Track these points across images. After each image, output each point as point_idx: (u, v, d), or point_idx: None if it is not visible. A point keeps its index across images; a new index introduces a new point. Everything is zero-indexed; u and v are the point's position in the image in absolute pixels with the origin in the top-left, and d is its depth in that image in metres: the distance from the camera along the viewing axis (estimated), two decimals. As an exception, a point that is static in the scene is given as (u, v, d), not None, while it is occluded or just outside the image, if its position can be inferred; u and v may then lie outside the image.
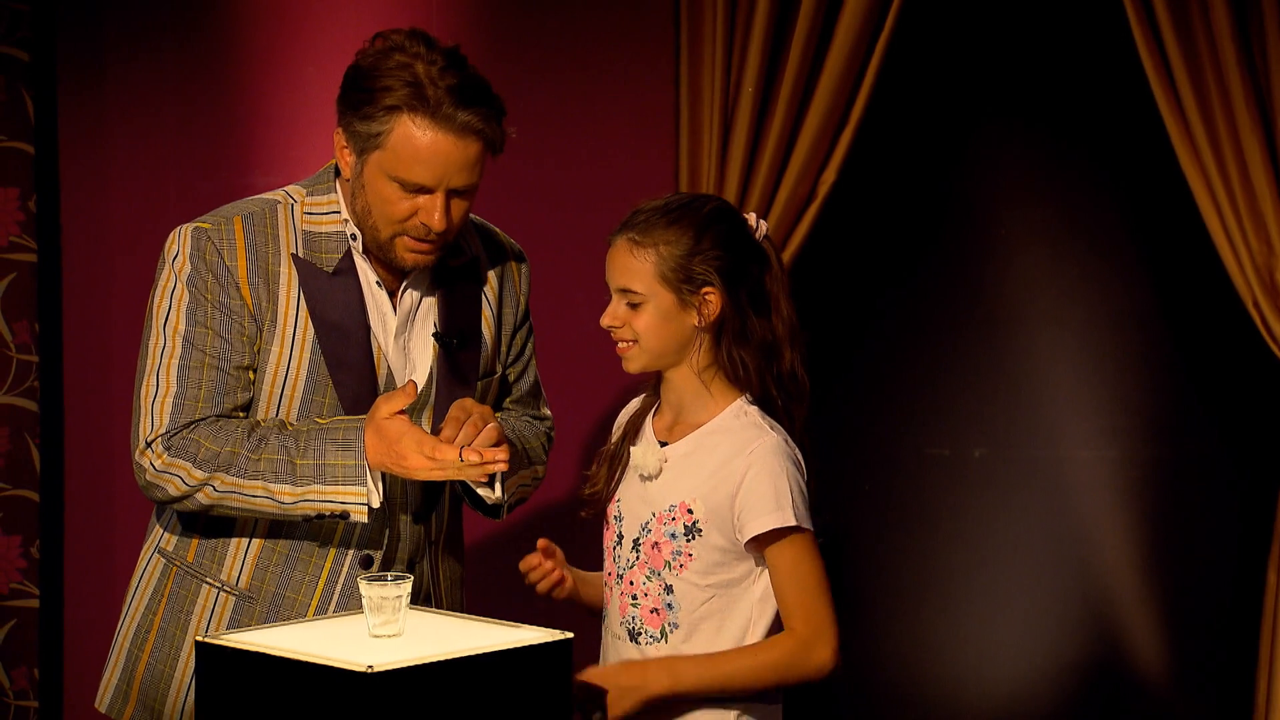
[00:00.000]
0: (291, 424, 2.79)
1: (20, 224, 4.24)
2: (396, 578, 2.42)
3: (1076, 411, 3.77)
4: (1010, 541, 3.82)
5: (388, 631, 2.42)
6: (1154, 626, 3.76)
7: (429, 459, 2.65)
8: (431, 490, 2.89)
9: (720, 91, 3.74)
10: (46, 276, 4.31)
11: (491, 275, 2.95)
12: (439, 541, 2.95)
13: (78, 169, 4.34)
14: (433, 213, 2.71)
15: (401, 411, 2.69)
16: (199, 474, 2.72)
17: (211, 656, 2.38)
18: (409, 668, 2.26)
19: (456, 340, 2.87)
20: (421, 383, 2.85)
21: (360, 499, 2.71)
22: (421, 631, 2.46)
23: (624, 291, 2.73)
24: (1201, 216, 3.44)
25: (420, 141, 2.67)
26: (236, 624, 2.83)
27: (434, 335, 2.86)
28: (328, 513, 2.73)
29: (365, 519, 2.73)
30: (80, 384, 4.38)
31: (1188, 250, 3.58)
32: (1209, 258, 3.46)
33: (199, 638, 2.40)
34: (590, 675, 2.67)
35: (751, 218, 2.80)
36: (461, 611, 3.00)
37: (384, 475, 2.74)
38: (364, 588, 2.42)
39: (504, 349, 2.98)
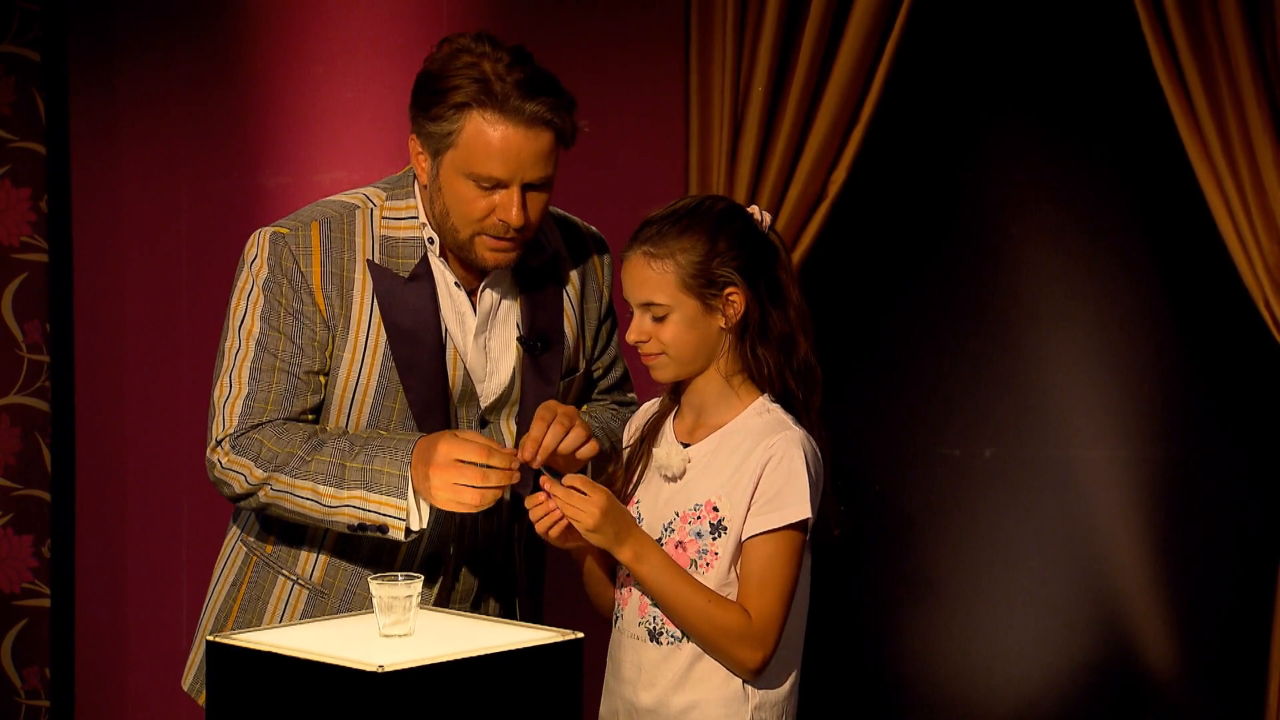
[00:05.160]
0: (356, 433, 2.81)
1: (32, 224, 4.25)
2: (408, 577, 2.43)
3: (1087, 411, 3.77)
4: (1020, 541, 3.82)
5: (398, 631, 2.42)
6: (1164, 626, 3.75)
7: (463, 453, 2.63)
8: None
9: (730, 91, 3.74)
10: (57, 277, 4.32)
11: (573, 271, 2.96)
12: (520, 539, 2.96)
13: (89, 169, 4.35)
14: (510, 208, 2.71)
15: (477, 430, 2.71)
16: (260, 473, 2.75)
17: (222, 655, 2.38)
18: (420, 667, 2.26)
19: (540, 344, 2.87)
20: (504, 384, 2.87)
21: (399, 512, 2.70)
22: (432, 631, 2.47)
23: (647, 305, 2.73)
24: (1212, 216, 3.44)
25: (491, 136, 2.68)
26: (309, 616, 2.86)
27: (519, 340, 2.86)
28: (369, 524, 2.72)
29: (403, 537, 2.72)
30: (91, 384, 4.39)
31: (1198, 250, 3.57)
32: (1220, 257, 3.46)
33: (209, 636, 2.41)
34: (591, 490, 2.66)
35: (755, 210, 2.80)
36: (537, 610, 3.02)
37: None
38: (374, 587, 2.43)
39: (588, 344, 2.98)
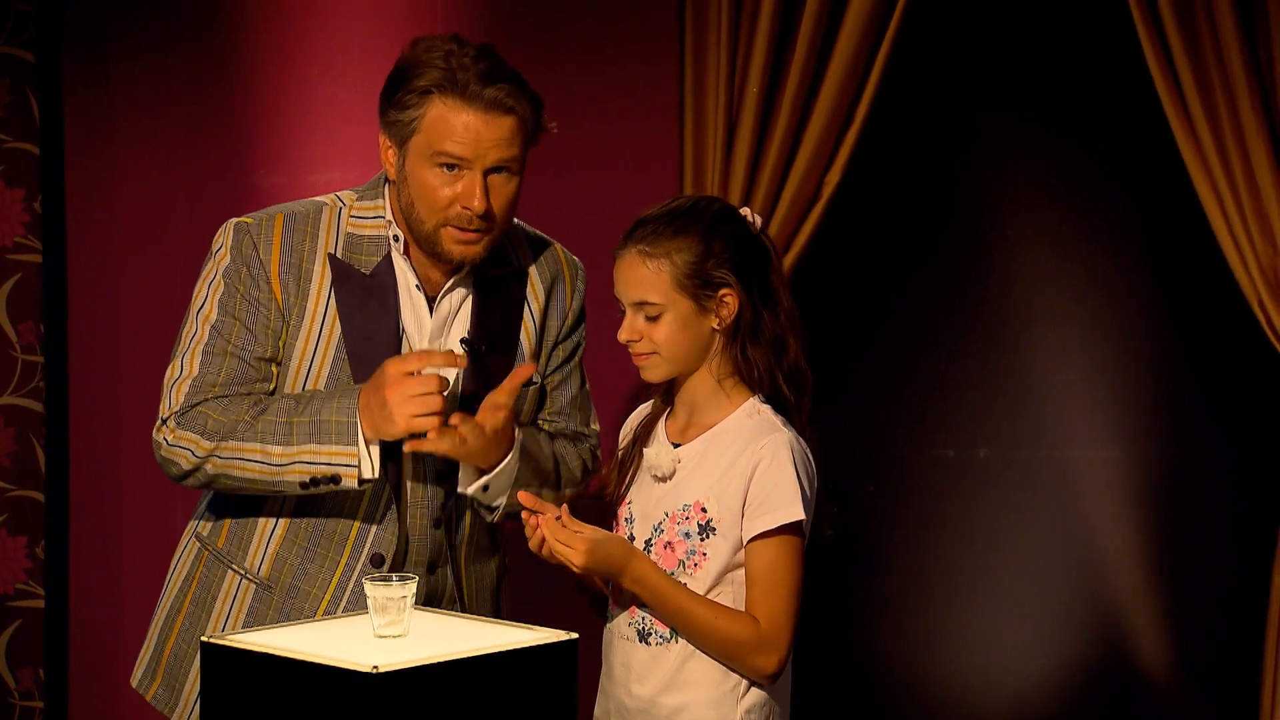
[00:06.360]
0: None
1: (26, 225, 4.25)
2: (401, 578, 2.43)
3: (1081, 412, 3.77)
4: (1015, 542, 3.82)
5: (393, 632, 2.42)
6: (1159, 626, 3.76)
7: (408, 365, 2.67)
8: (451, 493, 2.89)
9: (725, 92, 3.74)
10: (52, 277, 4.32)
11: (538, 285, 2.97)
12: (461, 547, 2.95)
13: (83, 170, 4.35)
14: (472, 194, 2.74)
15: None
16: (206, 444, 2.78)
17: (217, 656, 2.38)
18: (414, 668, 2.26)
19: (485, 346, 2.88)
20: (455, 391, 2.88)
21: (350, 459, 2.73)
22: (427, 632, 2.46)
23: (640, 304, 2.73)
24: (1207, 217, 3.44)
25: (452, 119, 2.74)
26: (254, 612, 2.89)
27: (461, 341, 2.88)
28: (320, 477, 2.74)
29: (355, 484, 2.74)
30: (85, 385, 4.39)
31: (1193, 250, 3.58)
32: (1214, 258, 3.46)
33: (204, 637, 2.41)
34: (573, 539, 2.66)
35: (747, 212, 2.80)
36: (497, 613, 3.02)
37: (386, 455, 2.75)
38: (369, 588, 2.42)
39: (543, 360, 2.99)
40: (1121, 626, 3.77)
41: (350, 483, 2.75)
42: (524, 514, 2.73)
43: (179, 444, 2.80)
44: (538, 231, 3.03)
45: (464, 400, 2.86)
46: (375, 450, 2.75)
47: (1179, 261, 3.69)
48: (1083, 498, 3.78)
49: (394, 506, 2.85)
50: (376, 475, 2.76)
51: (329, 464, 2.74)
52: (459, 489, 2.87)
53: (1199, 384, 3.74)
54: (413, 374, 2.69)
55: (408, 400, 2.69)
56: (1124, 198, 3.75)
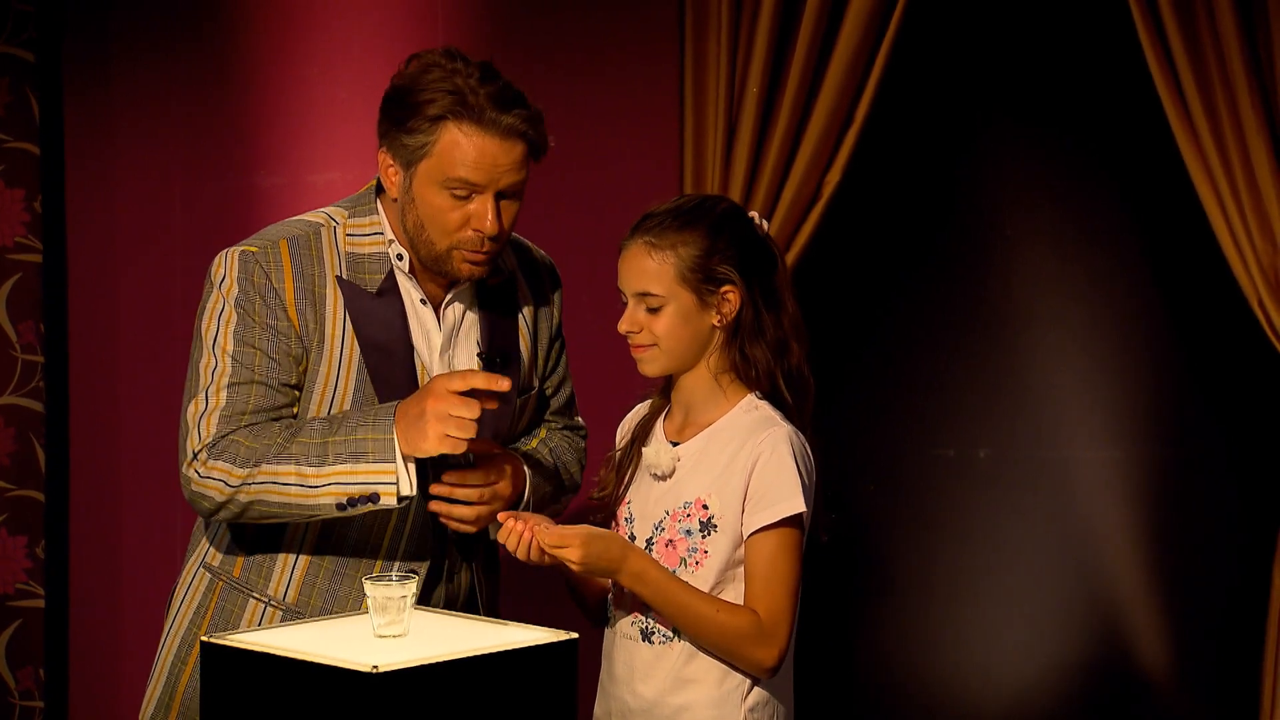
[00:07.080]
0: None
1: (26, 224, 4.25)
2: (401, 578, 2.43)
3: (1081, 412, 3.77)
4: (1015, 542, 3.82)
5: (393, 632, 2.42)
6: (1159, 626, 3.76)
7: (452, 394, 2.64)
8: None
9: (725, 92, 3.74)
10: (52, 277, 4.32)
11: (527, 291, 2.98)
12: (480, 551, 2.95)
13: (83, 170, 4.35)
14: (484, 217, 2.74)
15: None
16: (239, 472, 2.72)
17: (216, 656, 2.38)
18: (414, 668, 2.26)
19: (499, 359, 2.89)
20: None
21: (389, 477, 2.68)
22: (427, 632, 2.46)
23: (642, 295, 2.74)
24: (1206, 216, 3.44)
25: (467, 146, 2.72)
26: None
27: (479, 355, 2.88)
28: (357, 497, 2.70)
29: (395, 502, 2.70)
30: (85, 384, 4.39)
31: (1193, 250, 3.58)
32: (1214, 257, 3.46)
33: (203, 637, 2.41)
34: (566, 538, 2.66)
35: (755, 216, 2.81)
36: (498, 615, 3.01)
37: (419, 469, 2.73)
38: (369, 588, 2.42)
39: (540, 363, 3.00)
40: (1121, 626, 3.77)
41: (389, 501, 2.70)
42: (502, 513, 2.72)
43: (210, 475, 2.73)
44: (514, 234, 3.03)
45: (480, 415, 2.86)
46: (413, 467, 2.71)
47: (1179, 261, 3.69)
48: (1083, 498, 3.78)
49: (428, 517, 2.83)
50: (414, 493, 2.72)
51: (366, 483, 2.69)
52: (491, 537, 2.87)
53: (1199, 384, 3.74)
54: (458, 394, 2.66)
55: (446, 418, 2.65)
56: (1124, 198, 3.75)
